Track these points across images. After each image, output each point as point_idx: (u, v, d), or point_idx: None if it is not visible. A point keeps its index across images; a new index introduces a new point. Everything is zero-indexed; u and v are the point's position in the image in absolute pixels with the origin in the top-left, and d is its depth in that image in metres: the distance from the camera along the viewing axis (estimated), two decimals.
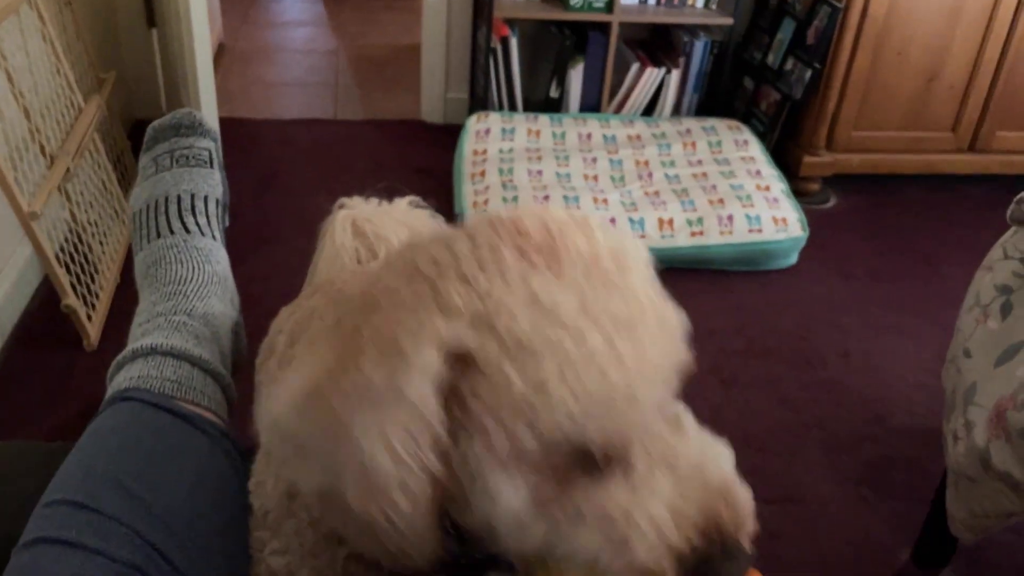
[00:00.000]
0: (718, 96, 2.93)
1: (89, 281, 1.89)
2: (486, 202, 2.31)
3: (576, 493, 0.53)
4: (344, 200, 1.09)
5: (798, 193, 2.53)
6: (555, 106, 2.87)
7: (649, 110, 2.88)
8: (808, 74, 2.57)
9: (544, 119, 2.70)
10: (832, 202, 2.71)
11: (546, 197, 2.31)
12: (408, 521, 0.53)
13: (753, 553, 0.55)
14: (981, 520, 1.17)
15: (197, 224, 1.07)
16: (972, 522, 1.19)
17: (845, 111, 2.59)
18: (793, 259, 2.34)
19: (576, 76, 2.81)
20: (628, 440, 0.53)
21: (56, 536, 0.67)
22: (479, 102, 2.83)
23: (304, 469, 0.55)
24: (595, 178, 2.45)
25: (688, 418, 0.58)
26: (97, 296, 1.91)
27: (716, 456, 0.56)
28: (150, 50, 2.75)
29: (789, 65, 2.67)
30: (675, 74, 2.82)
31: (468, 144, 2.56)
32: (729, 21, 2.80)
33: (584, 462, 0.53)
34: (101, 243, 2.04)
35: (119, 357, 0.91)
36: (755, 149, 2.58)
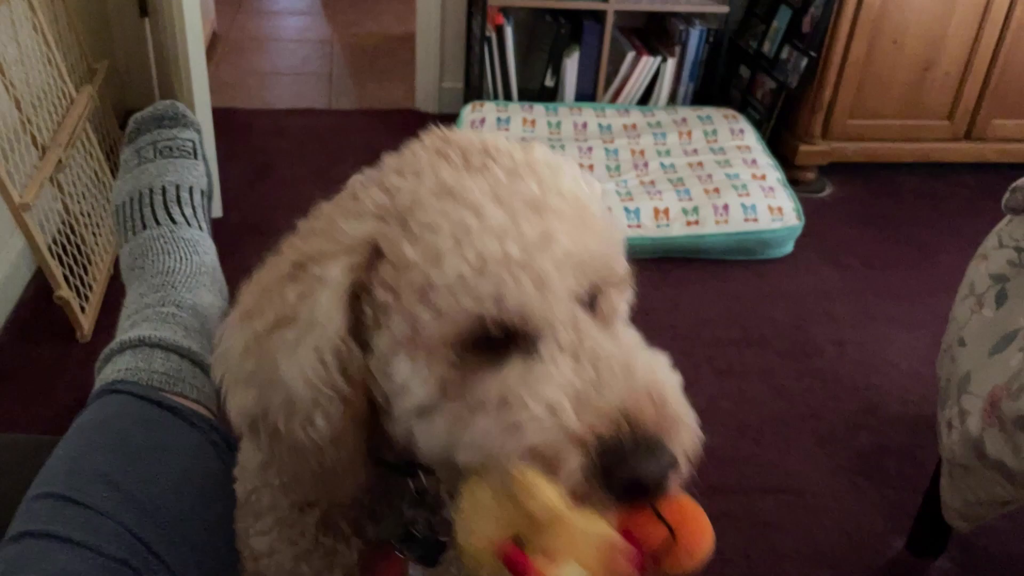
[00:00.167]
0: (714, 85, 2.93)
1: (82, 272, 1.88)
2: None
3: (476, 380, 0.52)
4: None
5: (794, 182, 2.52)
6: (550, 95, 2.85)
7: (645, 99, 2.87)
8: (804, 62, 2.56)
9: (539, 108, 2.69)
10: (828, 191, 2.70)
11: None
12: (328, 441, 0.55)
13: (688, 471, 0.51)
14: (975, 508, 1.17)
15: (183, 215, 1.06)
16: (966, 510, 1.19)
17: (841, 99, 2.59)
18: (789, 248, 2.34)
19: (571, 65, 2.80)
20: (530, 320, 0.51)
21: (43, 530, 0.67)
22: (474, 91, 2.82)
23: (244, 396, 0.56)
24: (591, 167, 2.44)
25: (631, 330, 0.57)
26: (90, 287, 1.90)
27: (652, 363, 0.53)
28: (142, 40, 2.73)
29: (785, 53, 2.66)
30: (671, 63, 2.81)
31: None
32: (725, 9, 2.79)
33: (486, 347, 0.52)
34: (94, 234, 2.03)
35: (107, 349, 0.91)
36: (751, 138, 2.58)
